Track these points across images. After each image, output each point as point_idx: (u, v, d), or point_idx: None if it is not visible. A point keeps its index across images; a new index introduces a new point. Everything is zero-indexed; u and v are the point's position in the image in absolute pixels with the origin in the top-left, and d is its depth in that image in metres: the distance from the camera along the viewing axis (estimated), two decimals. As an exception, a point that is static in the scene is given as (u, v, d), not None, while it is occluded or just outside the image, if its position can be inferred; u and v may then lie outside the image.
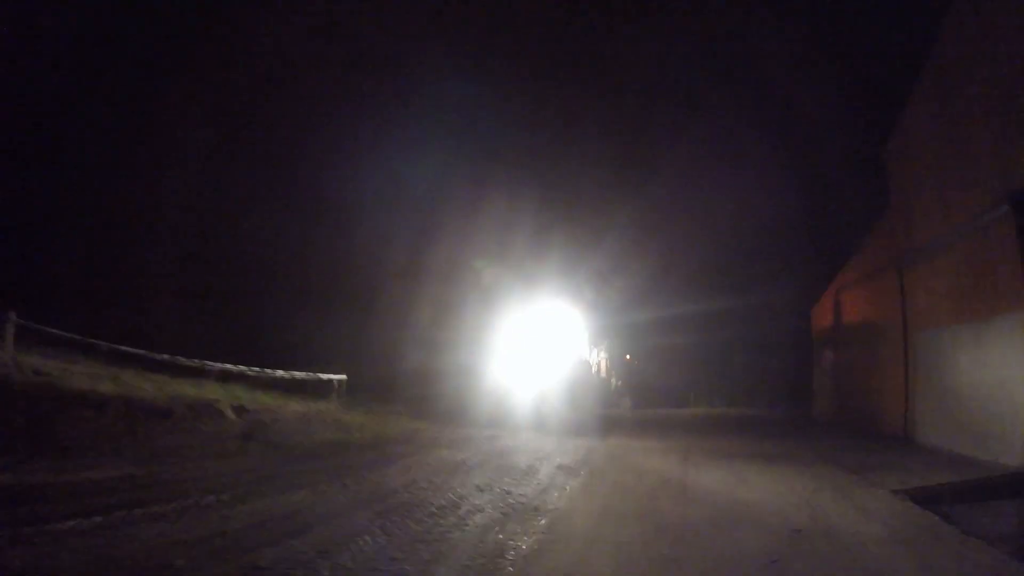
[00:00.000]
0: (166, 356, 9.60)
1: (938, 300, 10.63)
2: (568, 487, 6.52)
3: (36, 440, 7.60)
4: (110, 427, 8.18)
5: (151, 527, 4.41)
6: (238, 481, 6.22)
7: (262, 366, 11.85)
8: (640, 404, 27.10)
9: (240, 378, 11.12)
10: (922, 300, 11.33)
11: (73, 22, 14.14)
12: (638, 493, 6.42)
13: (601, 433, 13.26)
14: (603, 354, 25.61)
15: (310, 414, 11.20)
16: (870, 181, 15.52)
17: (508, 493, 5.92)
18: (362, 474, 6.92)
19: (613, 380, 27.26)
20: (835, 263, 18.89)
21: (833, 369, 18.62)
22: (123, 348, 9.28)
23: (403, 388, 15.74)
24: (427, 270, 17.52)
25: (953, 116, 9.93)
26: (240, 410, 9.58)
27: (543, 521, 4.84)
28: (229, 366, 10.61)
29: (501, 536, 4.34)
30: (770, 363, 32.11)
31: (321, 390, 13.23)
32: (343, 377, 13.70)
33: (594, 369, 24.83)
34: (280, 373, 11.80)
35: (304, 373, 12.56)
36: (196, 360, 10.03)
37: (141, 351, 9.45)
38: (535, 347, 16.97)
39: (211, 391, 10.10)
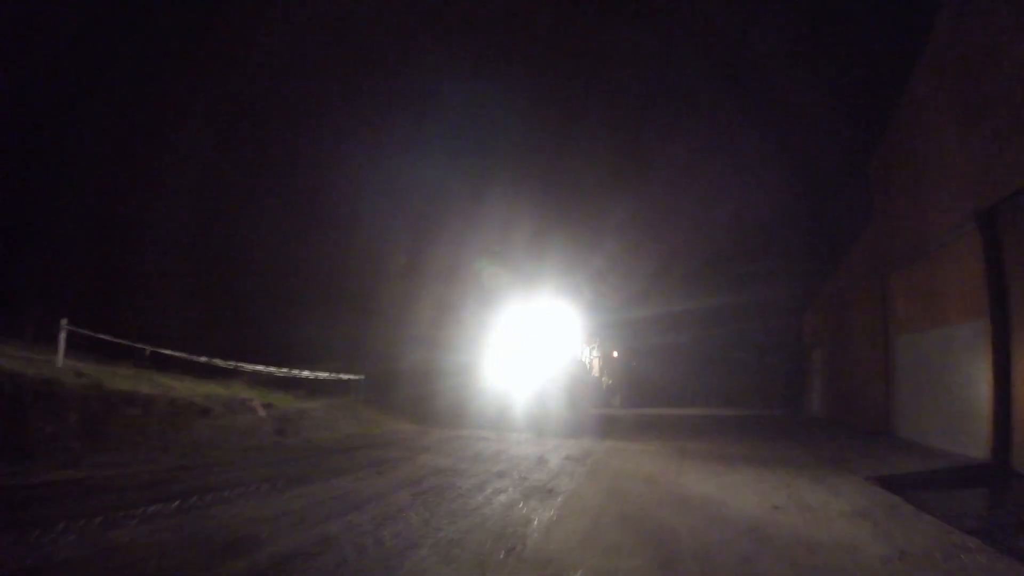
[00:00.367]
0: (204, 359, 10.34)
1: (915, 306, 11.46)
2: (575, 473, 7.30)
3: (91, 437, 8.34)
4: (156, 424, 8.91)
5: (225, 508, 5.14)
6: (284, 471, 6.97)
7: (264, 365, 12.27)
8: (634, 403, 27.14)
9: (266, 378, 11.85)
10: (901, 306, 12.17)
11: (73, 22, 14.28)
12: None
13: (599, 434, 13.41)
14: (596, 352, 25.47)
15: (331, 411, 11.95)
16: (859, 191, 16.24)
17: (525, 479, 6.70)
18: (391, 463, 7.68)
19: (604, 379, 26.93)
20: (829, 264, 19.53)
21: (823, 370, 19.45)
22: (163, 351, 10.01)
23: (405, 386, 15.86)
24: (425, 269, 17.63)
25: (929, 139, 10.76)
26: (270, 407, 10.33)
27: (559, 499, 5.62)
28: (259, 367, 11.35)
29: (525, 510, 5.12)
30: (767, 362, 32.40)
31: (338, 389, 13.95)
32: (359, 377, 14.43)
33: (589, 368, 24.65)
34: (306, 373, 12.54)
35: (326, 373, 13.28)
36: (231, 362, 10.77)
37: (180, 354, 10.18)
38: (531, 346, 16.88)
39: (241, 390, 10.85)
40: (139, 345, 9.87)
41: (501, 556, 3.91)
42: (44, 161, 14.64)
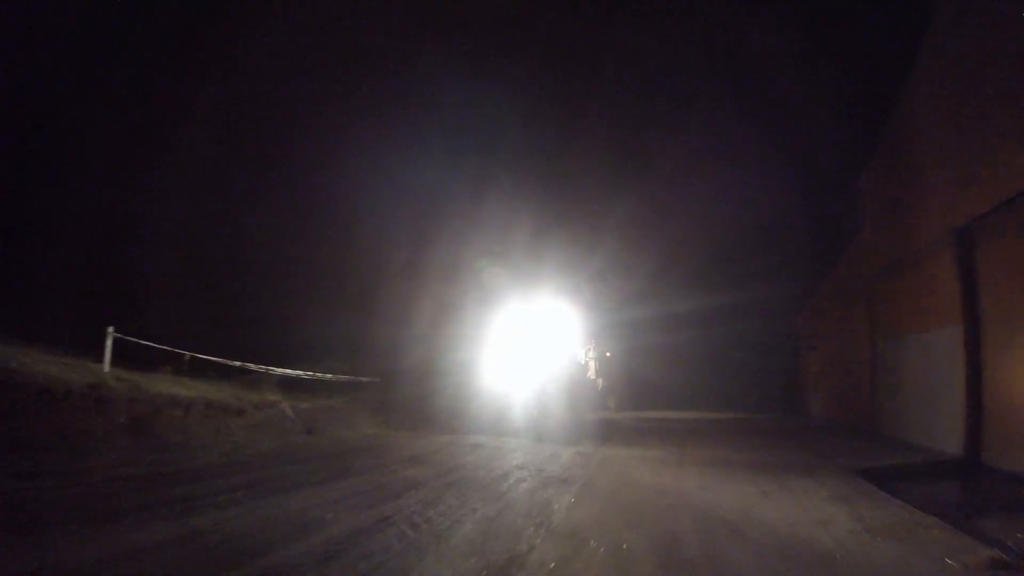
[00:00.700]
0: (238, 363, 11.07)
1: (898, 312, 12.27)
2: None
3: (139, 437, 9.06)
4: (197, 425, 9.63)
5: (284, 498, 5.84)
6: (325, 466, 7.70)
7: (266, 364, 12.47)
8: (630, 405, 26.64)
9: (291, 381, 12.57)
10: (886, 311, 12.98)
11: (72, 21, 14.20)
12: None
13: (598, 440, 12.81)
14: (592, 353, 24.38)
15: (351, 411, 12.68)
16: (857, 192, 16.67)
17: (542, 471, 7.46)
18: (419, 459, 8.42)
19: (599, 380, 25.95)
20: (827, 264, 19.52)
21: (818, 371, 20.25)
22: (203, 357, 10.73)
23: (402, 387, 15.59)
24: (424, 268, 17.49)
25: (913, 158, 11.59)
26: (297, 408, 11.05)
27: (574, 487, 6.38)
28: (287, 371, 12.08)
29: (546, 495, 5.88)
30: (766, 363, 31.77)
31: (349, 389, 14.49)
32: (368, 379, 15.01)
33: (586, 369, 23.23)
34: (329, 376, 13.26)
35: (331, 375, 13.88)
36: (262, 367, 11.50)
37: (217, 359, 10.91)
38: (528, 346, 16.43)
39: (269, 392, 11.58)
40: (178, 351, 10.58)
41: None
42: (43, 161, 14.57)
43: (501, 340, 16.25)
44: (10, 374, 8.83)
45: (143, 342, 10.02)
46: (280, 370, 12.08)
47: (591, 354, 22.82)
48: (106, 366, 9.66)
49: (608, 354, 27.69)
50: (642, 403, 28.96)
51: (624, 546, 4.28)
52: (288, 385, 13.34)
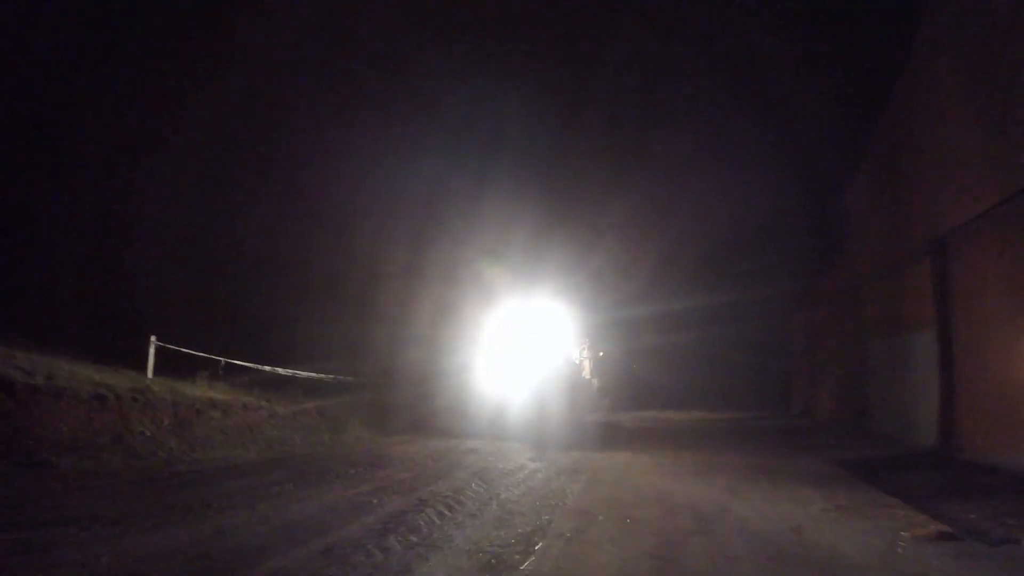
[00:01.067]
0: (267, 367, 11.91)
1: (883, 316, 13.09)
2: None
3: (183, 437, 9.87)
4: (234, 424, 10.46)
5: (330, 486, 6.64)
6: (357, 460, 8.52)
7: (266, 364, 12.84)
8: (627, 406, 26.19)
9: (312, 383, 13.36)
10: (871, 315, 13.81)
11: (72, 22, 14.23)
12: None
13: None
14: (588, 353, 23.81)
15: (368, 412, 13.47)
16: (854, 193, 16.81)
17: (554, 462, 8.28)
18: (439, 454, 9.24)
19: (595, 380, 25.44)
20: (826, 264, 19.72)
21: (811, 371, 21.07)
22: (238, 363, 11.57)
23: (396, 388, 15.34)
24: (419, 267, 17.33)
25: (893, 177, 12.44)
26: (321, 409, 11.89)
27: (584, 475, 7.20)
28: (313, 374, 12.90)
29: (559, 483, 6.70)
30: (765, 363, 31.76)
31: (355, 389, 14.67)
32: (363, 381, 15.13)
33: (581, 369, 22.81)
34: (351, 379, 14.05)
35: (331, 376, 14.36)
36: (289, 370, 12.36)
37: (250, 364, 11.75)
38: (525, 346, 16.01)
39: (293, 394, 12.40)
40: (214, 357, 11.41)
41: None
42: (43, 162, 14.41)
43: (497, 340, 15.92)
44: (68, 382, 9.69)
45: (183, 350, 10.84)
46: (307, 374, 12.88)
47: (586, 353, 22.61)
48: (149, 372, 10.49)
49: (601, 353, 26.38)
50: (638, 403, 28.84)
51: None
52: (305, 387, 14.07)
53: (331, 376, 14.51)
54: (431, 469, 7.88)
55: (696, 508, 5.55)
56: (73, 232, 14.51)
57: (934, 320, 10.20)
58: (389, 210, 18.77)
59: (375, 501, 5.83)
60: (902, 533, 4.89)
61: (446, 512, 5.30)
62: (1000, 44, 8.36)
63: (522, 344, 16.01)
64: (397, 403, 14.43)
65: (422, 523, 4.91)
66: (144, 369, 10.98)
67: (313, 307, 16.13)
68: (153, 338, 10.54)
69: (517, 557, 4.01)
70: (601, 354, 26.79)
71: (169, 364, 11.36)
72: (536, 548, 4.25)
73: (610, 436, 13.88)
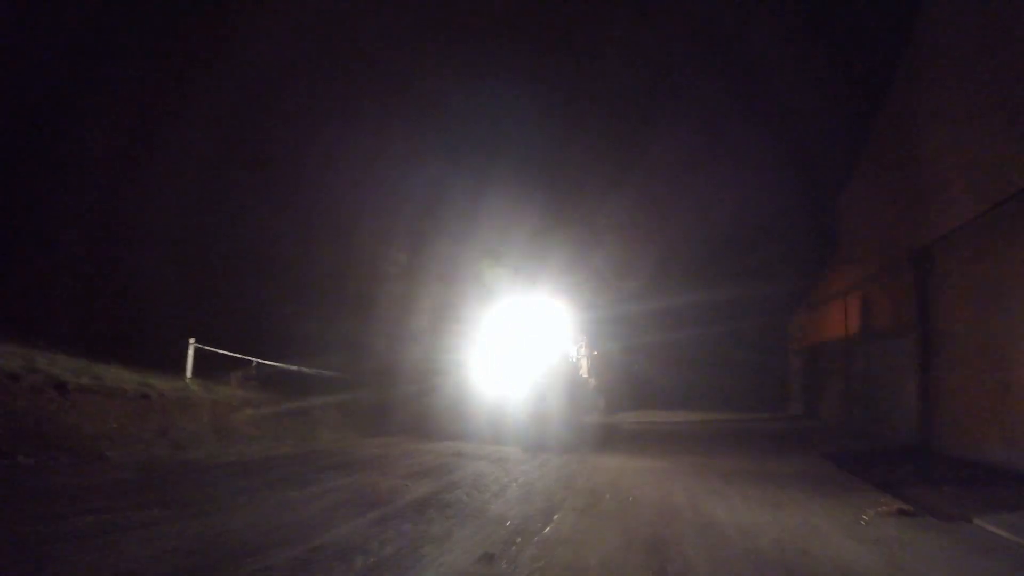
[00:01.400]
0: (295, 368, 12.75)
1: (867, 321, 13.88)
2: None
3: (221, 432, 10.70)
4: (266, 421, 11.29)
5: (366, 475, 7.43)
6: (384, 455, 9.33)
7: (274, 361, 13.47)
8: (624, 406, 25.70)
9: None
10: (856, 320, 14.61)
11: (72, 23, 14.38)
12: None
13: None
14: (584, 351, 22.49)
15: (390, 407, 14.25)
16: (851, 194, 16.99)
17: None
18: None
19: (591, 380, 23.92)
20: (824, 264, 19.91)
21: (804, 374, 21.83)
22: (273, 364, 12.41)
23: (388, 387, 15.19)
24: (416, 267, 17.38)
25: (879, 190, 13.25)
26: (342, 405, 12.72)
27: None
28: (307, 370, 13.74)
29: (569, 471, 7.51)
30: (761, 363, 31.34)
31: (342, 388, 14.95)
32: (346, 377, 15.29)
33: (578, 368, 21.30)
34: (347, 377, 14.77)
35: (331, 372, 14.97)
36: (315, 370, 13.21)
37: (281, 365, 12.61)
38: (520, 345, 15.62)
39: (315, 393, 13.22)
40: (247, 358, 12.25)
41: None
42: (32, 160, 14.47)
43: (493, 338, 15.46)
44: (112, 381, 10.55)
45: (220, 351, 11.67)
46: (332, 374, 13.71)
47: (583, 352, 21.61)
48: (188, 373, 11.32)
49: (595, 352, 24.47)
50: (637, 403, 28.23)
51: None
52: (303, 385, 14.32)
53: (328, 373, 14.73)
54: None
55: (690, 491, 6.35)
56: (90, 239, 14.79)
57: (916, 326, 10.99)
58: (385, 209, 18.76)
59: (409, 484, 6.64)
60: (868, 510, 5.69)
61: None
62: (975, 72, 9.18)
63: (519, 343, 15.53)
64: (387, 402, 14.27)
65: (453, 500, 5.72)
66: (173, 370, 11.86)
67: (309, 305, 16.17)
68: (192, 340, 11.36)
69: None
70: (595, 353, 24.99)
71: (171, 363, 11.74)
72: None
73: (609, 440, 13.30)
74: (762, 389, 29.77)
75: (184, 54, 16.30)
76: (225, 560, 3.86)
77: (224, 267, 16.26)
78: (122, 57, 15.38)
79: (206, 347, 11.48)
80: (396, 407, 14.16)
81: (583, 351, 21.37)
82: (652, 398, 30.34)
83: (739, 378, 32.32)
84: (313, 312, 15.84)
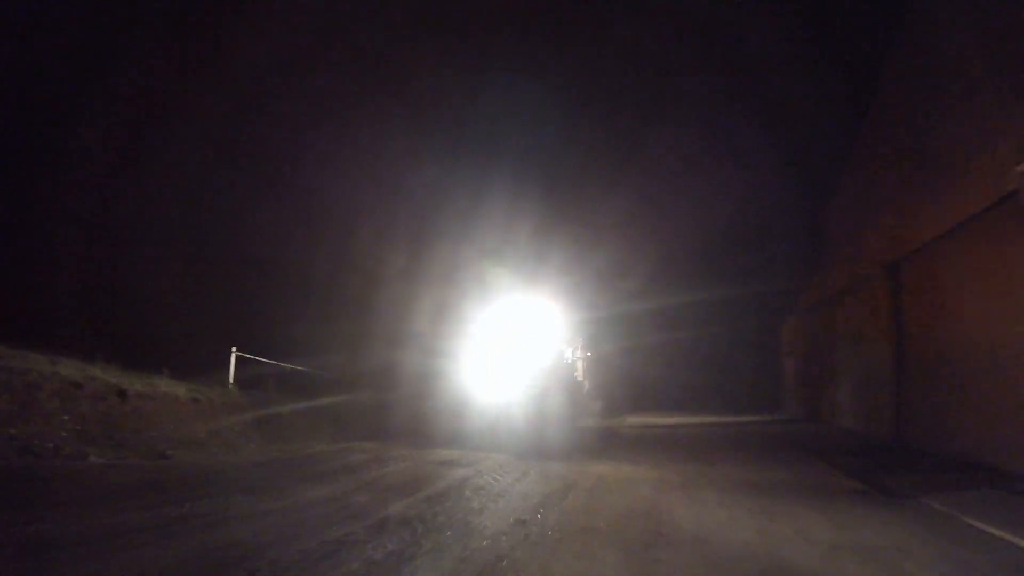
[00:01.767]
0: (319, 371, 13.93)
1: (850, 327, 15.08)
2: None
3: (264, 433, 11.83)
4: (300, 422, 12.45)
5: (400, 465, 8.59)
6: (415, 451, 10.46)
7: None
8: (620, 410, 25.18)
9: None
10: (841, 326, 15.82)
11: (71, 23, 14.42)
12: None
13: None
14: (579, 353, 21.72)
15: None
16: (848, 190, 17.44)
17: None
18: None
19: (586, 382, 22.73)
20: (821, 264, 19.95)
21: (796, 373, 22.98)
22: (297, 368, 13.56)
23: (379, 389, 15.32)
24: (412, 270, 17.28)
25: (857, 206, 14.44)
26: (343, 406, 13.86)
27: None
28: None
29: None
30: (757, 365, 31.72)
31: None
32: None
33: (574, 370, 20.50)
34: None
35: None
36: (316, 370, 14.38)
37: (301, 367, 13.76)
38: (514, 346, 15.15)
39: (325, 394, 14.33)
40: (280, 363, 13.40)
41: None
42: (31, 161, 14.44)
43: (484, 340, 14.99)
44: (165, 388, 11.69)
45: (258, 359, 12.82)
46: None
47: (579, 354, 20.93)
48: (231, 379, 12.47)
49: (589, 354, 22.98)
50: (632, 405, 27.79)
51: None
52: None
53: (327, 374, 15.39)
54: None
55: (685, 476, 7.50)
56: (91, 241, 14.86)
57: (889, 332, 12.17)
58: (372, 208, 18.56)
59: (433, 478, 7.78)
60: (830, 488, 6.85)
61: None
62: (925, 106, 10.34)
63: (511, 345, 15.00)
64: (382, 405, 14.20)
65: (482, 485, 6.88)
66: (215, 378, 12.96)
67: (307, 306, 16.48)
68: (234, 348, 12.51)
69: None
70: (589, 354, 23.53)
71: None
72: None
73: (605, 446, 12.59)
74: (758, 391, 30.29)
75: (182, 54, 16.32)
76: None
77: (224, 268, 16.45)
78: (119, 56, 15.21)
79: (247, 355, 12.57)
80: (391, 410, 14.05)
81: (579, 353, 20.79)
82: (649, 400, 30.27)
83: (736, 380, 32.69)
84: (312, 312, 16.03)
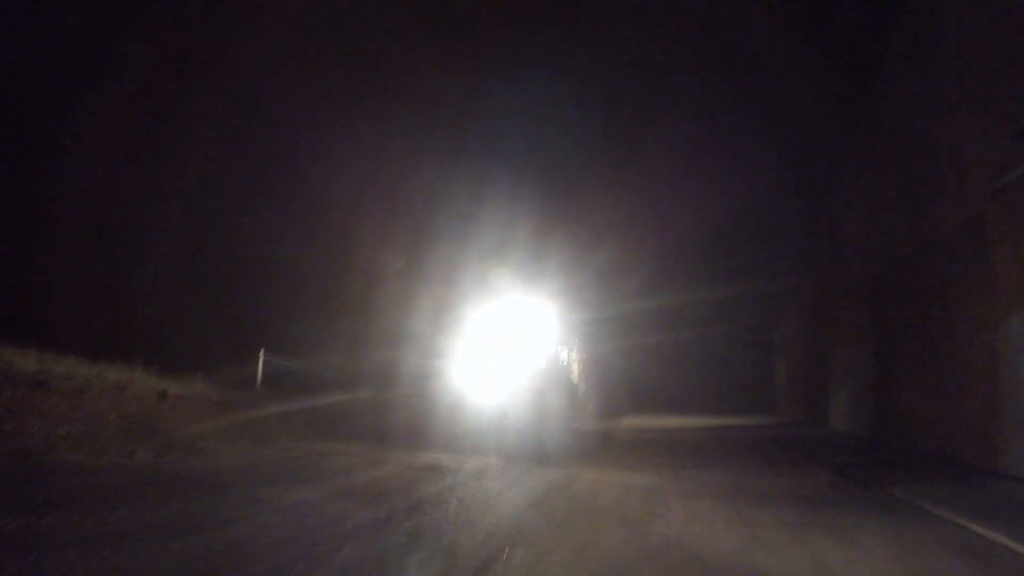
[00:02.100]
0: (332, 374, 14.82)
1: (839, 330, 15.94)
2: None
3: (293, 431, 12.70)
4: (326, 421, 13.31)
5: (431, 453, 9.47)
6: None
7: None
8: (616, 411, 25.01)
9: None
10: (831, 329, 16.69)
11: (71, 23, 14.46)
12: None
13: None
14: (574, 354, 21.72)
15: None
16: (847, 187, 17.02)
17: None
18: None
19: (581, 384, 22.93)
20: (819, 264, 20.14)
21: (789, 375, 23.84)
22: (328, 374, 14.44)
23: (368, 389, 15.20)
24: (408, 270, 17.32)
25: (846, 216, 15.29)
26: (343, 407, 14.69)
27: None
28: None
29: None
30: (755, 366, 32.10)
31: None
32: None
33: (568, 372, 20.72)
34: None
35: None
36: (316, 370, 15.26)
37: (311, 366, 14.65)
38: (505, 349, 14.92)
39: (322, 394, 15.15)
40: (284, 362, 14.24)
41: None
42: (30, 161, 14.52)
43: (476, 341, 14.77)
44: (198, 389, 12.54)
45: (284, 362, 13.68)
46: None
47: (573, 355, 20.86)
48: (259, 381, 13.33)
49: (586, 355, 23.39)
50: (629, 407, 27.26)
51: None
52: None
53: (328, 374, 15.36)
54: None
55: (683, 469, 8.37)
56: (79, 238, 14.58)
57: (871, 335, 13.04)
58: (371, 208, 18.57)
59: (453, 467, 8.65)
60: (808, 480, 7.72)
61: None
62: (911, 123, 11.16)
63: (504, 345, 14.70)
64: (379, 405, 14.16)
65: (504, 471, 7.75)
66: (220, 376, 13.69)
67: (306, 306, 16.57)
68: (261, 351, 13.37)
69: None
70: (585, 356, 24.01)
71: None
72: None
73: (601, 451, 12.35)
74: (754, 391, 30.95)
75: (182, 53, 16.20)
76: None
77: (225, 269, 16.47)
78: (118, 56, 15.19)
79: (272, 359, 13.42)
80: (387, 410, 13.87)
81: (574, 354, 20.59)
82: (645, 402, 29.88)
83: (733, 381, 33.08)
84: (310, 313, 16.17)
